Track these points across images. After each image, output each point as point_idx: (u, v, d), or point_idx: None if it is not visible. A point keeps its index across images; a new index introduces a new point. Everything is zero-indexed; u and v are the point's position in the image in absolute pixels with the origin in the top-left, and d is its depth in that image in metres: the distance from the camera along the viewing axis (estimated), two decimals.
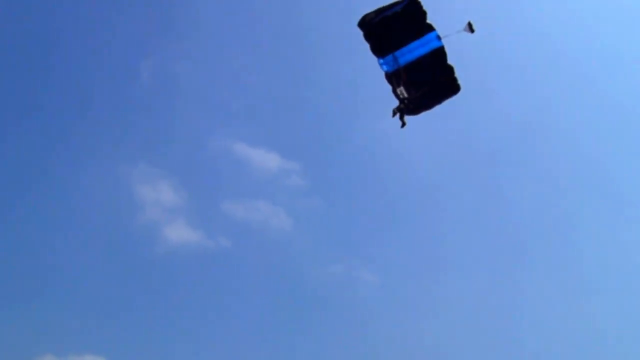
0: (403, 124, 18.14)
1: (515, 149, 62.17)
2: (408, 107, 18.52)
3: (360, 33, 17.25)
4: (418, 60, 17.29)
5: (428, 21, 16.68)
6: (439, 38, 16.92)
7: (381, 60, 17.83)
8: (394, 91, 18.35)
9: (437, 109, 18.34)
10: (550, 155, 60.01)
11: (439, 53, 17.11)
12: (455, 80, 17.35)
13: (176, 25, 66.62)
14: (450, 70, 17.31)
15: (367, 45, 17.26)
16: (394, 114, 18.18)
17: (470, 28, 16.72)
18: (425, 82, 17.52)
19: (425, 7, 16.35)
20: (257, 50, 66.63)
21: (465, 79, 17.69)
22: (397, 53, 17.25)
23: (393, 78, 17.98)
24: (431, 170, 62.73)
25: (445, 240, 56.63)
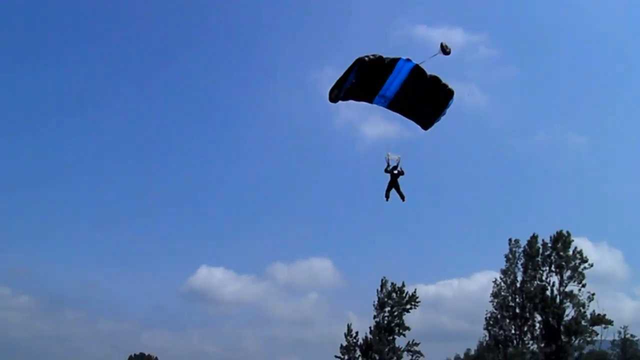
0: (402, 197, 20.09)
1: None
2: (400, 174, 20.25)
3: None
4: (403, 86, 17.96)
5: (386, 60, 17.50)
6: (408, 60, 17.58)
7: (374, 103, 18.81)
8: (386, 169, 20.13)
9: None
10: None
11: (416, 71, 17.71)
12: (445, 86, 18.00)
13: None
14: (435, 80, 17.90)
15: None
16: (387, 197, 20.12)
17: (443, 50, 17.37)
18: (421, 98, 18.21)
19: (374, 61, 17.34)
20: None
21: None
22: (381, 92, 18.08)
23: (394, 108, 18.90)
24: None
25: None
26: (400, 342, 71.50)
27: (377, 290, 72.83)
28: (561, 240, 55.04)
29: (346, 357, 71.92)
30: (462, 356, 40.76)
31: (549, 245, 55.21)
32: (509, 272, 55.76)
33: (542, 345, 51.02)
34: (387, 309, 71.90)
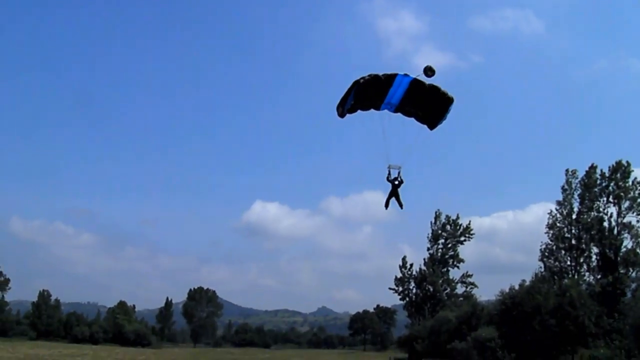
0: (401, 205, 20.82)
1: None
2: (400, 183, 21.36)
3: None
4: (406, 95, 18.92)
5: (384, 76, 18.44)
6: (406, 75, 18.39)
7: (382, 110, 19.81)
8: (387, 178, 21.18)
9: None
10: None
11: (416, 83, 18.52)
12: (445, 94, 18.79)
13: None
14: (435, 89, 18.69)
15: None
16: (387, 206, 20.87)
17: (426, 73, 18.09)
18: (424, 105, 19.28)
19: (371, 81, 18.46)
20: None
21: None
22: (386, 101, 19.04)
23: (401, 112, 19.89)
24: None
25: None
26: (454, 273, 72.12)
27: (431, 222, 73.12)
28: (620, 170, 53.76)
29: (400, 288, 73.01)
30: (516, 287, 40.85)
31: (607, 175, 54.03)
32: (566, 204, 54.88)
33: (599, 277, 50.56)
34: (441, 241, 72.25)
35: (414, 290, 72.24)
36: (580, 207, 54.54)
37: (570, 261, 54.10)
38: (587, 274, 52.81)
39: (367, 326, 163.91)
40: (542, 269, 53.50)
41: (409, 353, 57.92)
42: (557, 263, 54.45)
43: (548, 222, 55.55)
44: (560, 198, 55.51)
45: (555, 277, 51.42)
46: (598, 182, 54.55)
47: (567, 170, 56.03)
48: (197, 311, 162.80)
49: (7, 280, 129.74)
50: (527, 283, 40.72)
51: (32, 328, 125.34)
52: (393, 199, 21.79)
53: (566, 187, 55.49)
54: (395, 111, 19.75)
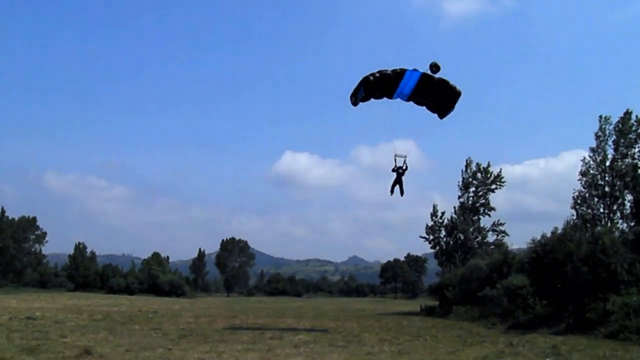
0: (402, 192, 21.82)
1: None
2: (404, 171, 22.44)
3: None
4: (416, 89, 19.85)
5: (393, 72, 19.41)
6: (415, 70, 19.27)
7: (394, 99, 20.64)
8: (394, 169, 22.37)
9: None
10: None
11: (425, 79, 19.36)
12: (453, 88, 19.71)
13: None
14: (444, 82, 19.64)
15: None
16: (392, 192, 21.86)
17: (432, 69, 19.07)
18: (433, 96, 20.13)
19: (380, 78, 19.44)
20: None
21: None
22: (398, 91, 19.84)
23: (413, 101, 20.74)
24: None
25: None
26: (485, 222, 71.95)
27: (462, 170, 72.66)
28: None
29: (431, 237, 73.15)
30: (548, 235, 40.62)
31: None
32: (599, 150, 53.88)
33: (632, 224, 49.93)
34: (472, 189, 71.89)
35: (445, 239, 72.33)
36: (614, 154, 53.58)
37: (604, 209, 53.53)
38: (620, 221, 52.22)
39: (398, 274, 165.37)
40: (575, 217, 53.06)
41: (440, 300, 58.37)
42: (589, 210, 53.91)
43: (581, 170, 54.77)
44: (594, 145, 54.56)
45: (588, 225, 50.99)
46: (633, 128, 53.44)
47: (600, 117, 54.91)
48: (229, 261, 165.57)
49: (44, 234, 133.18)
50: (559, 231, 40.41)
51: (70, 280, 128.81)
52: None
53: (600, 133, 54.44)
54: (408, 100, 20.50)
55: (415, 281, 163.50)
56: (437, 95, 20.07)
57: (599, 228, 45.76)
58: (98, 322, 35.94)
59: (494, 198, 72.01)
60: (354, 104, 20.68)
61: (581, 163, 54.77)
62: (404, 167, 22.47)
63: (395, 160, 22.97)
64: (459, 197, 72.20)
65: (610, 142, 53.86)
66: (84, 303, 65.11)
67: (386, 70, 19.53)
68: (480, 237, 70.77)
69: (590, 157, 54.32)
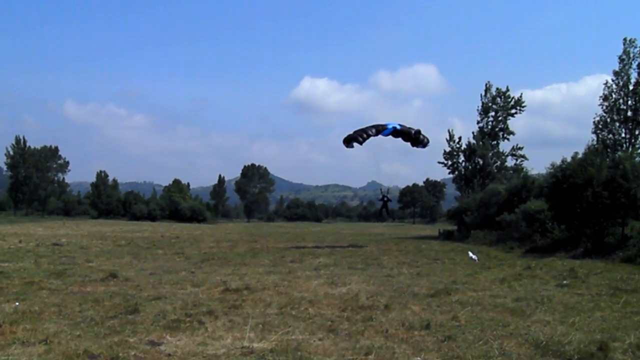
0: (387, 213, 43.83)
1: None
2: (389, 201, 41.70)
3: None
4: (395, 131, 36.02)
5: (373, 130, 35.20)
6: (396, 126, 35.78)
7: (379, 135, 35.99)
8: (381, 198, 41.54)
9: None
10: None
11: (402, 128, 35.90)
12: (424, 140, 36.77)
13: None
14: (417, 133, 36.20)
15: None
16: (381, 213, 44.06)
17: (417, 135, 36.58)
18: (407, 138, 36.58)
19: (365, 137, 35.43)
20: None
21: None
22: (383, 133, 35.67)
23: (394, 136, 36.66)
24: None
25: None
26: (504, 146, 71.59)
27: (481, 95, 71.81)
28: None
29: (449, 162, 73.03)
30: (569, 160, 40.26)
31: None
32: (622, 74, 52.60)
33: None
34: (492, 113, 71.20)
35: (464, 164, 72.20)
36: (638, 77, 52.41)
37: (625, 133, 52.80)
38: None
39: (417, 199, 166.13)
40: (595, 142, 52.47)
41: (458, 225, 58.79)
42: (610, 135, 53.20)
43: (603, 94, 53.70)
44: (617, 68, 53.31)
45: (609, 150, 50.46)
46: None
47: (625, 39, 53.42)
48: (249, 187, 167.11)
49: (67, 163, 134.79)
50: (580, 156, 40.06)
51: (93, 207, 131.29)
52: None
53: (624, 56, 53.07)
54: (388, 135, 35.25)
55: (434, 206, 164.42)
56: (410, 137, 36.15)
57: (619, 153, 45.36)
58: (122, 248, 36.74)
59: (514, 123, 71.37)
60: (347, 146, 33.83)
61: (603, 87, 53.70)
62: (388, 197, 38.59)
63: (382, 192, 40.31)
64: (478, 122, 71.66)
65: (634, 66, 52.63)
66: (107, 229, 66.43)
67: (369, 130, 34.06)
68: (499, 162, 70.53)
69: (613, 80, 53.21)
